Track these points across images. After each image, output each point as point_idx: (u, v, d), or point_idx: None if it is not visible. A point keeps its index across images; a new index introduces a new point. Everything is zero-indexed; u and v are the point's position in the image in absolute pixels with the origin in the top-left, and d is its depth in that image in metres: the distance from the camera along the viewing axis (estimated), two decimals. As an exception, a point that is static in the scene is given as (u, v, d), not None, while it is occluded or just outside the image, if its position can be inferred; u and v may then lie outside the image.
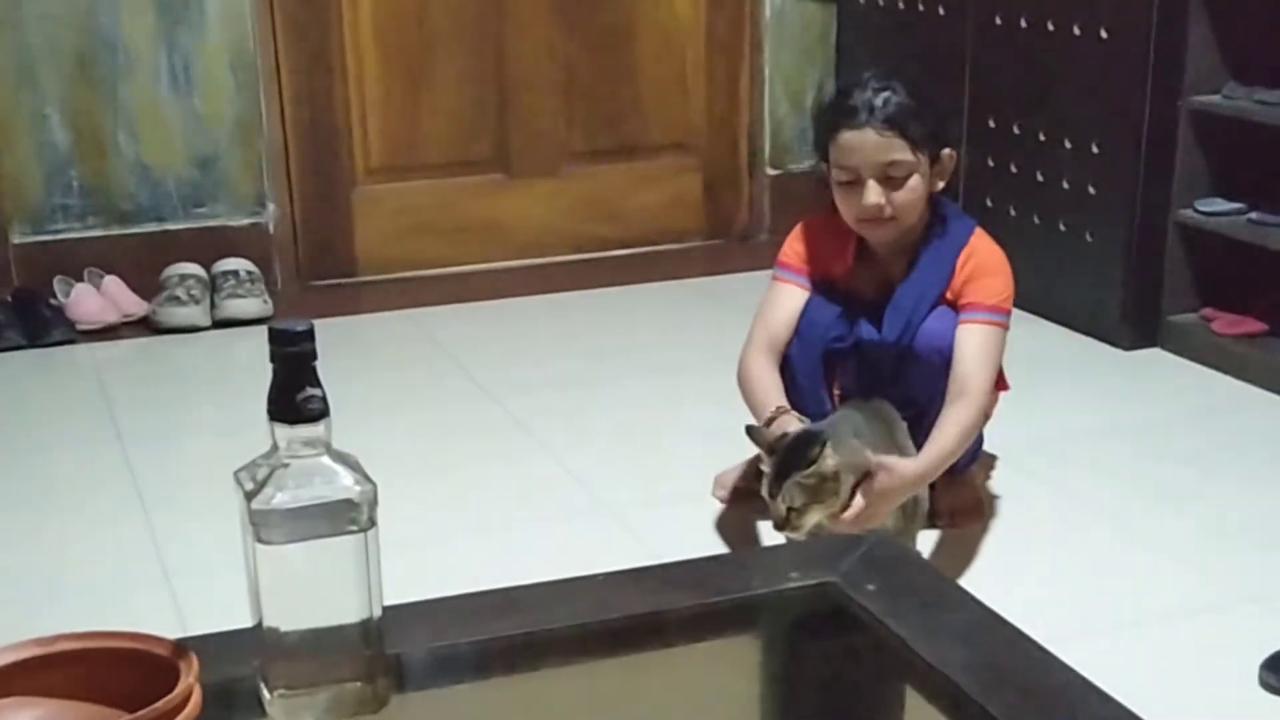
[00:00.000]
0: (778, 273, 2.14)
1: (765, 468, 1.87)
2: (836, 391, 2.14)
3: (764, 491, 1.87)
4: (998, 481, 2.32)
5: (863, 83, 2.02)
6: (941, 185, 2.07)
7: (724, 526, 2.20)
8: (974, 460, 2.24)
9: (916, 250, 2.07)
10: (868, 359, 2.09)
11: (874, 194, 1.99)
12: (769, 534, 2.14)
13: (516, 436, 2.58)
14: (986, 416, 2.07)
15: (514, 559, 2.09)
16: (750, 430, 1.93)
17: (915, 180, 2.01)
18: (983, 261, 2.06)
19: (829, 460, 1.83)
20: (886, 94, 1.99)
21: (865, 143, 1.98)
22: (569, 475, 2.40)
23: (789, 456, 1.84)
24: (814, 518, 1.84)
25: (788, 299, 2.11)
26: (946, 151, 2.06)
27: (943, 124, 2.12)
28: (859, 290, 2.11)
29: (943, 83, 3.31)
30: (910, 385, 2.05)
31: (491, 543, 2.16)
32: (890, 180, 1.99)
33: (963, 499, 2.19)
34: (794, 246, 2.14)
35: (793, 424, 1.94)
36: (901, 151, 1.99)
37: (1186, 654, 1.83)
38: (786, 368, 2.10)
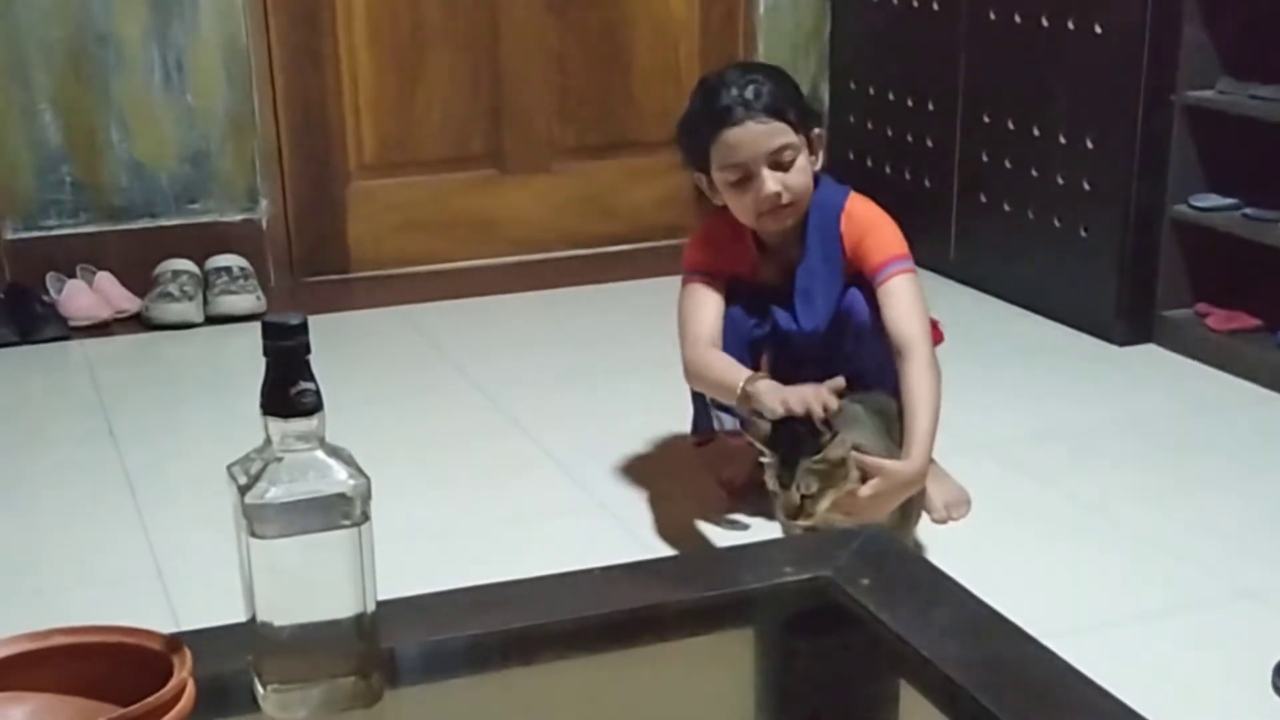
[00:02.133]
0: (690, 275, 2.13)
1: (766, 459, 1.86)
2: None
3: (772, 483, 1.85)
4: (991, 476, 2.33)
5: (726, 82, 2.02)
6: (817, 164, 2.08)
7: (718, 522, 2.19)
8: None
9: (803, 229, 2.08)
10: (790, 346, 2.10)
11: (771, 181, 1.99)
12: (763, 529, 2.14)
13: (510, 432, 2.58)
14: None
15: (508, 554, 2.08)
16: (745, 425, 1.93)
17: (802, 160, 2.02)
18: (861, 220, 2.07)
19: (838, 448, 1.82)
20: (755, 85, 2.00)
21: (750, 135, 1.99)
22: (562, 470, 2.40)
23: (795, 444, 1.83)
24: (827, 502, 1.83)
25: (709, 298, 2.10)
26: (816, 132, 2.07)
27: (808, 102, 2.13)
28: (767, 281, 2.11)
29: (937, 78, 3.31)
30: (855, 361, 2.05)
31: (485, 537, 2.16)
32: (780, 166, 2.00)
33: (952, 492, 2.19)
34: (698, 253, 2.14)
35: (767, 382, 1.93)
36: (785, 135, 2.00)
37: (1182, 649, 1.83)
38: None
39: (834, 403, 1.87)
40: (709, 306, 2.10)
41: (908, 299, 2.00)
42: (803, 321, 2.08)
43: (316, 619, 0.97)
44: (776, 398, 1.89)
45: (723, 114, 2.00)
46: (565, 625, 1.12)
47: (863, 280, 2.05)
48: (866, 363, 2.03)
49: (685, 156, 2.11)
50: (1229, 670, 1.77)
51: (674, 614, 1.16)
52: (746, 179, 2.01)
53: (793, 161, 2.01)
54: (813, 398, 1.86)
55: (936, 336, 2.13)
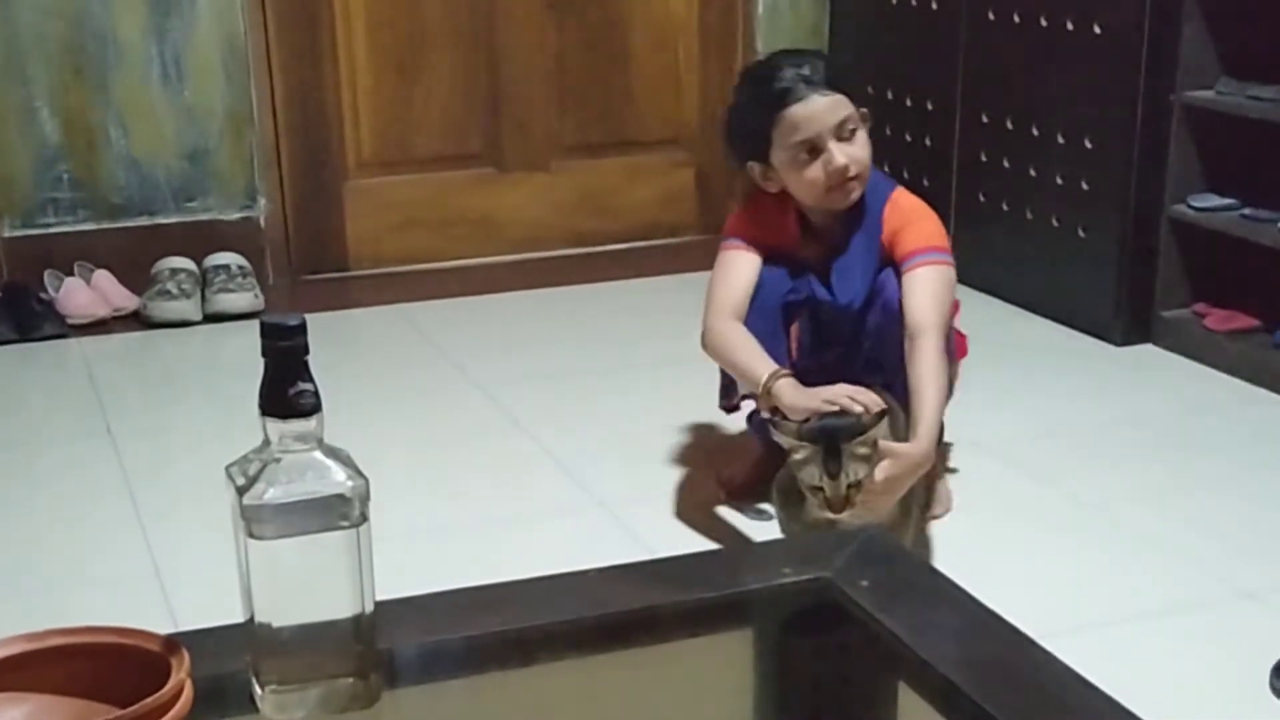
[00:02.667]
0: (728, 242, 2.12)
1: (802, 454, 1.83)
2: (794, 346, 2.13)
3: (813, 479, 1.81)
4: (990, 476, 2.33)
5: (777, 65, 2.03)
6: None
7: (718, 522, 2.19)
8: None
9: (848, 214, 2.07)
10: (823, 317, 2.09)
11: (840, 154, 1.99)
12: (762, 530, 2.14)
13: (509, 431, 2.57)
14: (952, 382, 2.06)
15: (506, 554, 2.08)
16: (774, 425, 1.89)
17: (863, 134, 2.03)
18: (905, 211, 2.07)
19: (880, 426, 1.81)
20: (809, 62, 2.02)
21: (816, 109, 1.99)
22: (562, 470, 2.39)
23: (834, 431, 1.81)
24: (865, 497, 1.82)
25: (745, 267, 2.09)
26: (863, 110, 2.07)
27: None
28: (804, 262, 2.11)
29: (935, 78, 3.31)
30: (875, 350, 2.04)
31: (484, 538, 2.16)
32: (844, 139, 2.01)
33: (943, 488, 2.19)
34: (741, 225, 2.12)
35: (790, 382, 1.93)
36: (847, 107, 2.01)
37: (1180, 649, 1.83)
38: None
39: (872, 400, 1.86)
40: (742, 274, 2.08)
41: (930, 286, 1.98)
42: (839, 295, 2.06)
43: (315, 620, 0.97)
44: (800, 401, 1.89)
45: (783, 94, 2.00)
46: (564, 626, 1.12)
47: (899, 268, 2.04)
48: (888, 352, 2.02)
49: (736, 148, 2.10)
50: (1227, 671, 1.77)
51: (673, 615, 1.16)
52: (813, 155, 2.00)
53: (854, 133, 2.01)
54: (845, 397, 1.87)
55: (961, 350, 2.13)
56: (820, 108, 1.99)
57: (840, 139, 2.00)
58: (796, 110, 1.99)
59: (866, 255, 2.07)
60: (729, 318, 2.05)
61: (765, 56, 2.11)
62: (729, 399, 2.21)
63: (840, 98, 2.00)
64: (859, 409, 1.85)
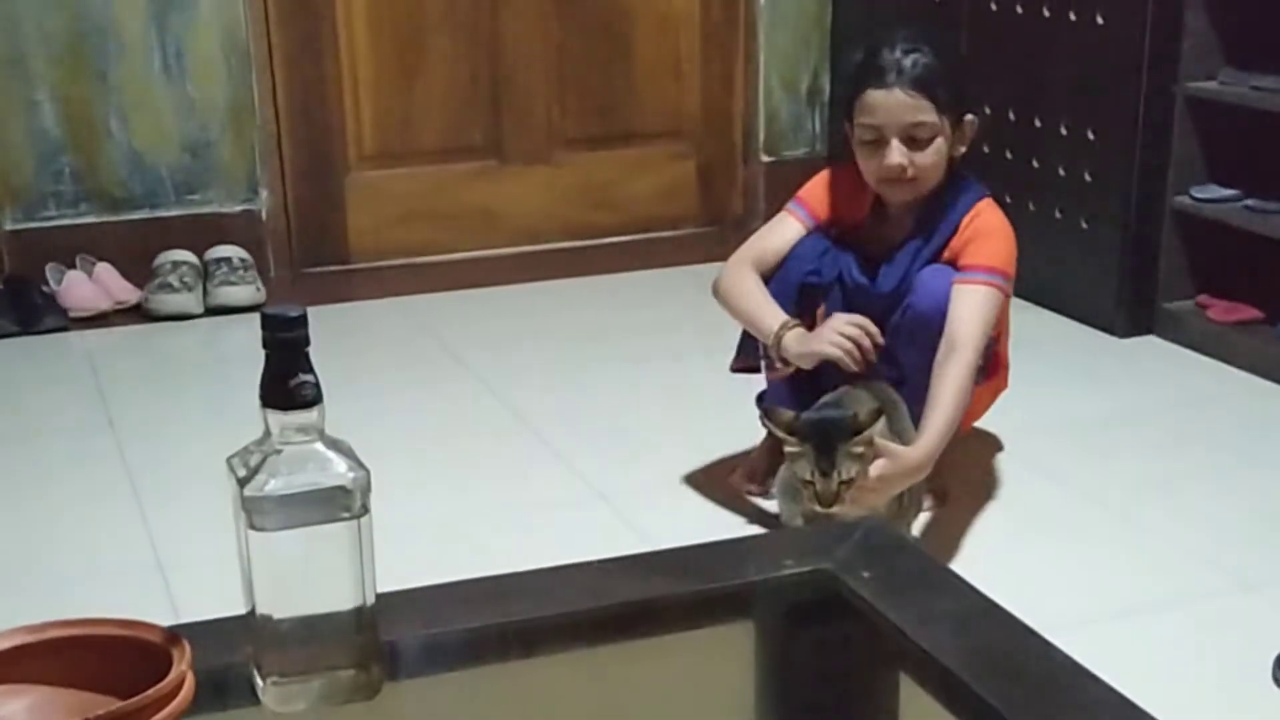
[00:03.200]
0: (791, 206, 2.14)
1: (795, 449, 1.83)
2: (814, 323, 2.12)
3: (806, 473, 1.82)
4: (991, 469, 2.32)
5: (892, 43, 2.01)
6: (962, 151, 2.07)
7: (719, 514, 2.19)
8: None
9: (926, 211, 2.07)
10: (855, 304, 2.07)
11: (897, 154, 1.99)
12: (763, 521, 2.14)
13: (510, 424, 2.57)
14: (982, 408, 2.06)
15: (508, 546, 2.08)
16: (768, 415, 1.90)
17: (938, 143, 2.01)
18: (984, 225, 2.05)
19: (875, 424, 1.81)
20: (915, 55, 1.99)
21: (891, 103, 1.99)
22: (563, 462, 2.39)
23: (829, 430, 1.81)
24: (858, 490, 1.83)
25: (788, 230, 2.11)
26: (969, 118, 2.06)
27: (967, 89, 2.10)
28: (865, 243, 2.10)
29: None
30: (898, 346, 2.03)
31: (485, 530, 2.15)
32: (914, 141, 2.00)
33: (942, 479, 2.19)
34: (815, 189, 2.14)
35: (800, 332, 1.96)
36: (927, 113, 1.99)
37: (1182, 641, 1.83)
38: None
39: (876, 332, 1.88)
40: (781, 234, 2.10)
41: (979, 305, 1.97)
42: (882, 283, 2.06)
43: (316, 611, 0.97)
44: (806, 348, 1.93)
45: (875, 74, 2.00)
46: (565, 618, 1.12)
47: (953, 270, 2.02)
48: (907, 350, 2.00)
49: (841, 106, 2.11)
50: (1230, 663, 1.77)
51: (674, 606, 1.16)
52: (879, 143, 2.01)
53: (929, 141, 2.00)
54: (852, 328, 1.91)
55: (1001, 381, 2.13)
56: (896, 103, 1.98)
57: (909, 140, 1.99)
58: (874, 96, 2.00)
59: (928, 255, 2.05)
60: (747, 266, 2.07)
61: (897, 30, 2.06)
62: (741, 360, 2.21)
63: (923, 102, 1.98)
64: (856, 357, 1.89)
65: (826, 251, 2.09)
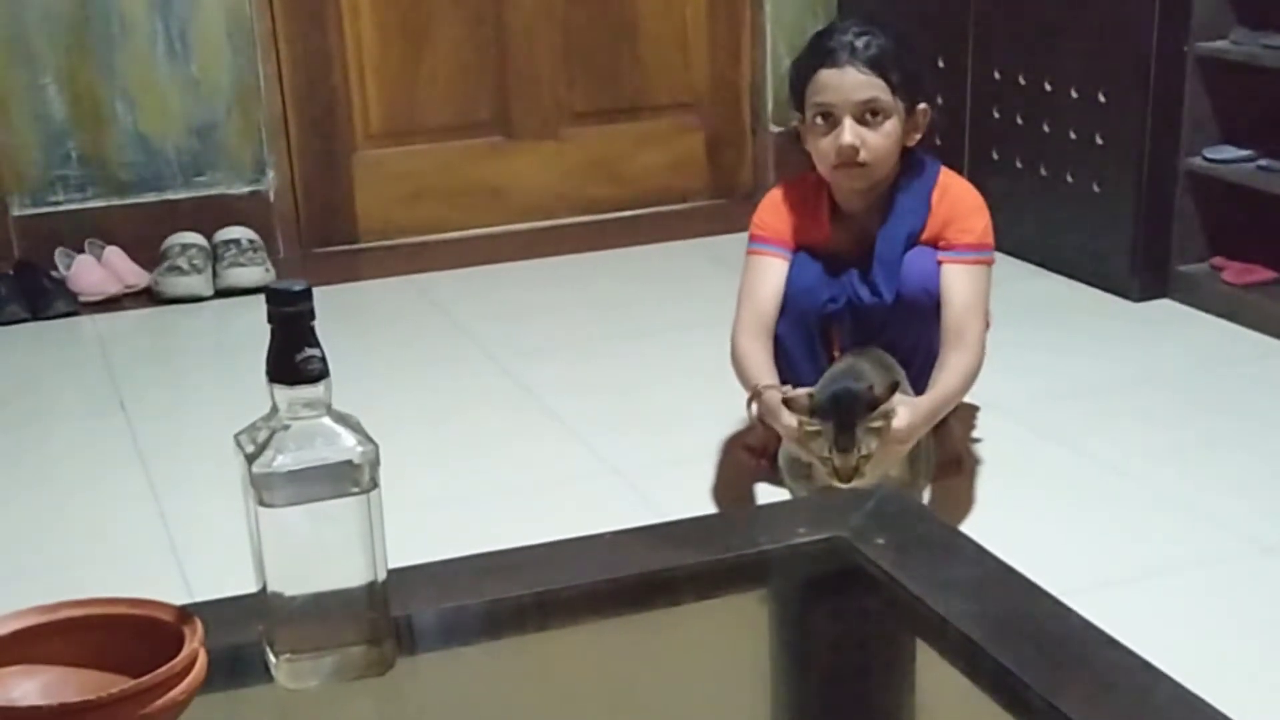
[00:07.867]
0: (754, 246, 2.11)
1: (814, 427, 1.82)
2: (836, 354, 2.11)
3: (823, 451, 1.81)
4: (1007, 434, 2.31)
5: (844, 28, 2.02)
6: (916, 139, 2.05)
7: (731, 486, 2.19)
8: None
9: (890, 199, 2.05)
10: (863, 317, 2.07)
11: (849, 133, 1.97)
12: (775, 492, 2.13)
13: (520, 399, 2.57)
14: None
15: (520, 520, 2.08)
16: (786, 401, 1.88)
17: (891, 125, 1.99)
18: (958, 199, 2.05)
19: (895, 397, 1.81)
20: (868, 38, 1.98)
21: (844, 80, 1.97)
22: (574, 436, 2.39)
23: (848, 406, 1.81)
24: (874, 459, 1.83)
25: (770, 273, 2.08)
26: (922, 106, 2.04)
27: (921, 75, 2.09)
28: (840, 251, 2.08)
29: (946, 34, 3.27)
30: (895, 328, 2.03)
31: (496, 504, 2.15)
32: (866, 122, 1.98)
33: (944, 453, 2.17)
34: (767, 218, 2.11)
35: (775, 396, 1.92)
36: (880, 91, 1.97)
37: (1199, 605, 1.83)
38: (776, 340, 2.07)
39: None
40: (768, 283, 2.07)
41: (975, 293, 2.00)
42: (884, 292, 2.03)
43: (327, 588, 0.97)
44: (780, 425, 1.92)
45: (826, 54, 1.99)
46: (579, 590, 1.12)
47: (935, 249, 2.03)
48: (904, 334, 2.02)
49: (791, 96, 2.09)
50: (1246, 626, 1.77)
51: (688, 577, 1.15)
52: (831, 124, 1.99)
53: (880, 123, 1.98)
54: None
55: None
56: (849, 81, 1.97)
57: (862, 120, 1.97)
58: (826, 75, 1.98)
59: (909, 241, 2.04)
60: (750, 331, 2.05)
61: (852, 19, 2.08)
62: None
63: (875, 80, 1.96)
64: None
65: (826, 276, 2.07)
